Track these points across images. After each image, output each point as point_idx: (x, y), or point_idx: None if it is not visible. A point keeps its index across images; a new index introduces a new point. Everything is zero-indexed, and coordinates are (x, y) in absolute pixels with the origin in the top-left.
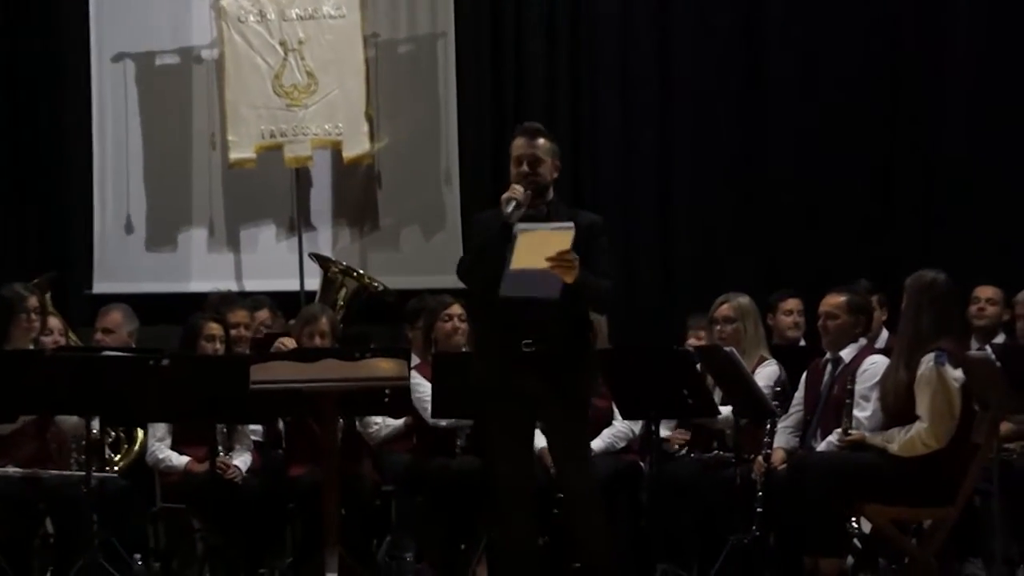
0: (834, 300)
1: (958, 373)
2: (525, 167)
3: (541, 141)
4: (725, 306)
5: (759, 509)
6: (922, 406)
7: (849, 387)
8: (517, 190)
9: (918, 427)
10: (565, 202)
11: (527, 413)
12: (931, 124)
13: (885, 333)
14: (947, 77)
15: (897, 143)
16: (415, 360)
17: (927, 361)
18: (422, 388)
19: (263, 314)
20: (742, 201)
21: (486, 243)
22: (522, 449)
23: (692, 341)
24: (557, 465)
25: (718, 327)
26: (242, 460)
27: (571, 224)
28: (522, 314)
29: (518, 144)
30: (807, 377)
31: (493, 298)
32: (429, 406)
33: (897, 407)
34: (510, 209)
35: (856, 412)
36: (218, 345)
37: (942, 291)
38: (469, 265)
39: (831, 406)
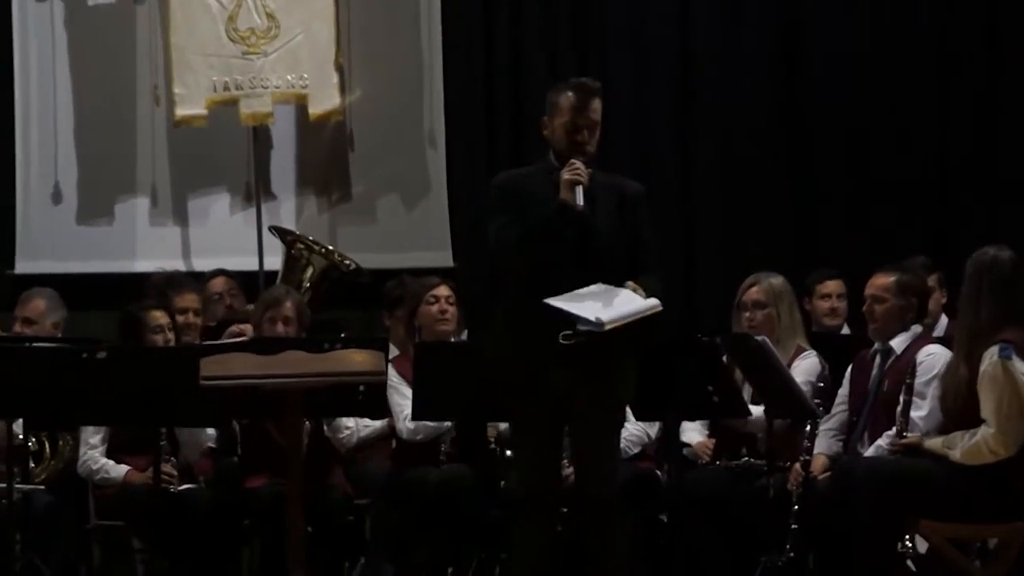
0: (881, 281)
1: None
2: (585, 134)
3: (597, 103)
4: (755, 289)
5: (794, 525)
6: (987, 408)
7: (907, 382)
8: (581, 171)
9: (984, 432)
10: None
11: (558, 414)
12: (989, 77)
13: (944, 320)
14: (1004, 41)
15: (952, 97)
16: (393, 352)
17: (991, 355)
18: (400, 389)
19: (219, 283)
20: (776, 169)
21: (533, 229)
22: (551, 454)
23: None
24: (578, 469)
25: (747, 313)
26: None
27: (657, 303)
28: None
29: (574, 104)
30: (852, 371)
31: (530, 283)
32: (406, 410)
33: (957, 408)
34: (580, 200)
35: (912, 412)
36: (168, 335)
37: (1007, 271)
38: (515, 244)
39: (881, 405)
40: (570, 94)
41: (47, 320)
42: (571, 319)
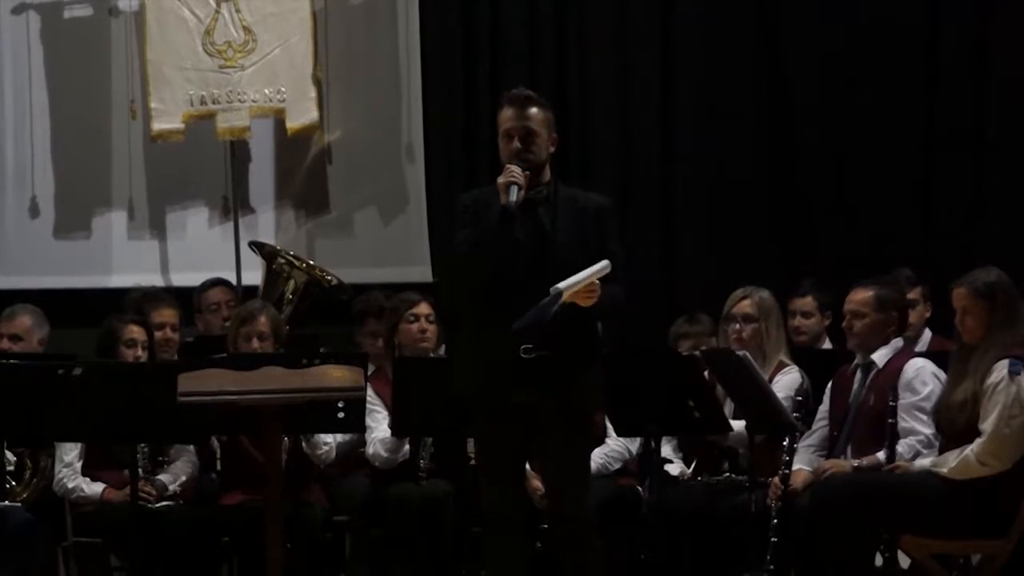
0: (860, 296)
1: None
2: (517, 143)
3: (534, 111)
4: (746, 302)
5: (774, 539)
6: (988, 419)
7: (892, 403)
8: (515, 172)
9: (975, 446)
10: (562, 180)
11: (522, 430)
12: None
13: (928, 334)
14: (993, 41)
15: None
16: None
17: (1000, 368)
18: (372, 411)
19: (217, 293)
20: (757, 183)
21: (483, 236)
22: (514, 472)
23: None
24: (550, 489)
25: (736, 326)
26: (174, 475)
27: (607, 263)
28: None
29: (506, 115)
30: (833, 387)
31: (488, 298)
32: (376, 432)
33: (962, 422)
34: (514, 197)
35: (923, 428)
36: (140, 351)
37: (1013, 290)
38: (463, 261)
39: (865, 419)
40: (504, 107)
41: (34, 337)
42: (534, 318)
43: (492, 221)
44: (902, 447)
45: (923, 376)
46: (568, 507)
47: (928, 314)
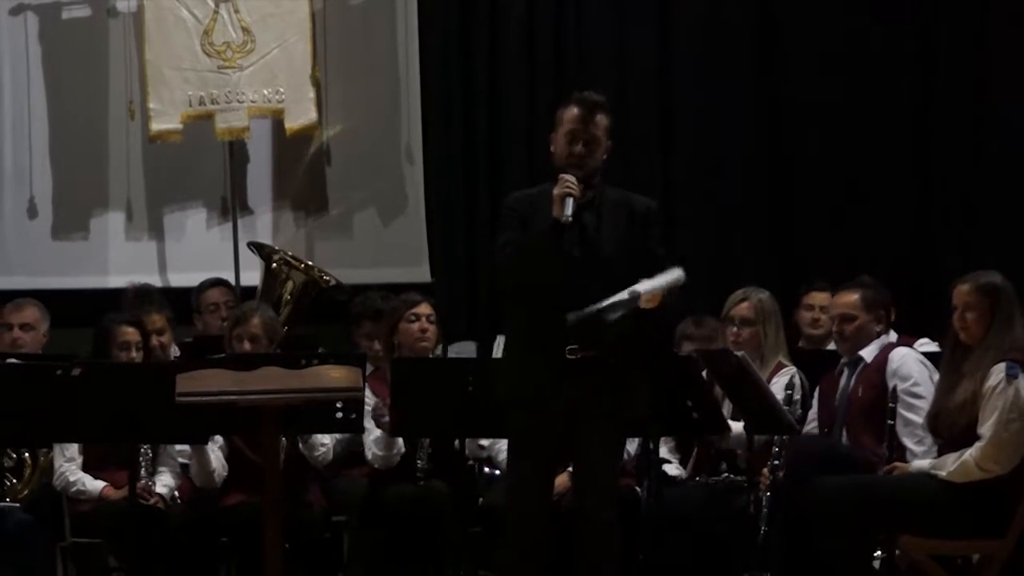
0: (847, 299)
1: None
2: (582, 147)
3: (601, 118)
4: (745, 304)
5: (764, 528)
6: (987, 423)
7: (891, 404)
8: (572, 184)
9: (975, 450)
10: (543, 178)
11: (560, 432)
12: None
13: (893, 335)
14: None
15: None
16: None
17: (998, 371)
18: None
19: (216, 293)
20: (756, 183)
21: (532, 245)
22: (545, 475)
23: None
24: (578, 487)
25: (734, 328)
26: (164, 485)
27: (682, 272)
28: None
29: (572, 115)
30: (820, 392)
31: (531, 302)
32: (374, 433)
33: (953, 433)
34: (569, 211)
35: (906, 440)
36: (133, 353)
37: (1001, 292)
38: (509, 266)
39: (858, 411)
40: (572, 107)
41: (41, 328)
42: (599, 313)
43: (542, 230)
44: (909, 442)
45: (904, 369)
46: (596, 509)
47: (892, 317)
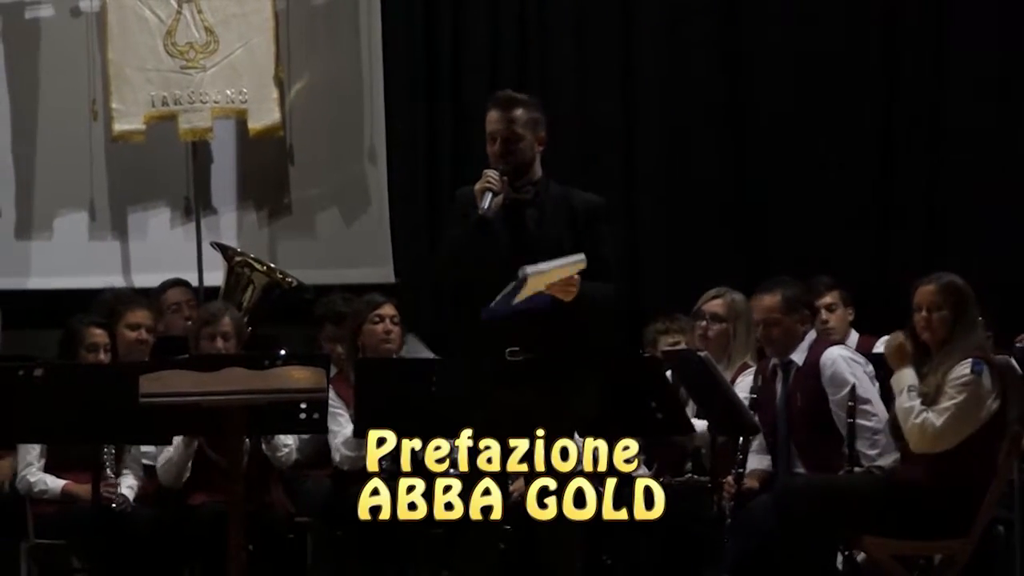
0: (768, 303)
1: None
2: (499, 146)
3: (519, 112)
4: (717, 301)
5: (727, 534)
6: (945, 401)
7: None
8: (492, 179)
9: (935, 414)
10: (556, 179)
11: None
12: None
13: (855, 335)
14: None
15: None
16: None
17: (963, 366)
18: (335, 414)
19: (177, 293)
20: (721, 185)
21: (459, 243)
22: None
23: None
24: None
25: (703, 323)
26: (128, 486)
27: (582, 256)
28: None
29: (491, 117)
30: (758, 389)
31: (471, 301)
32: (339, 437)
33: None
34: (487, 204)
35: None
36: (102, 355)
37: (965, 293)
38: (441, 267)
39: (799, 420)
40: (490, 108)
41: None
42: (502, 306)
43: (470, 227)
44: (864, 447)
45: (840, 367)
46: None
47: (851, 317)
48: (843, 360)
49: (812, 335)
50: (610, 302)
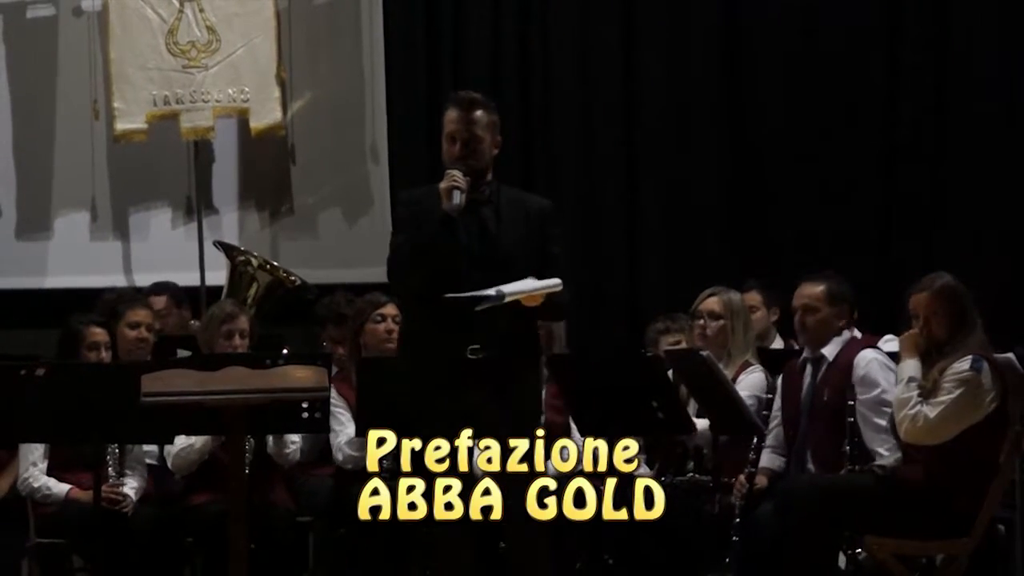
0: (811, 291)
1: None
2: (459, 148)
3: (479, 114)
4: (713, 299)
5: (735, 537)
6: (941, 395)
7: (851, 402)
8: (458, 178)
9: (931, 407)
10: (507, 182)
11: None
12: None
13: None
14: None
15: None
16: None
17: (963, 361)
18: (336, 414)
19: (159, 301)
20: (720, 186)
21: (426, 242)
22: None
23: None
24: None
25: (700, 321)
26: (131, 487)
27: (559, 281)
28: (467, 315)
29: (451, 117)
30: (783, 385)
31: (432, 297)
32: (341, 436)
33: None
34: (456, 202)
35: (877, 447)
36: (103, 354)
37: (960, 294)
38: (406, 265)
39: (821, 416)
40: (450, 107)
41: None
42: (472, 302)
43: (434, 226)
44: (880, 448)
45: (870, 371)
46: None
47: (775, 318)
48: (877, 363)
49: (847, 335)
50: (565, 308)
